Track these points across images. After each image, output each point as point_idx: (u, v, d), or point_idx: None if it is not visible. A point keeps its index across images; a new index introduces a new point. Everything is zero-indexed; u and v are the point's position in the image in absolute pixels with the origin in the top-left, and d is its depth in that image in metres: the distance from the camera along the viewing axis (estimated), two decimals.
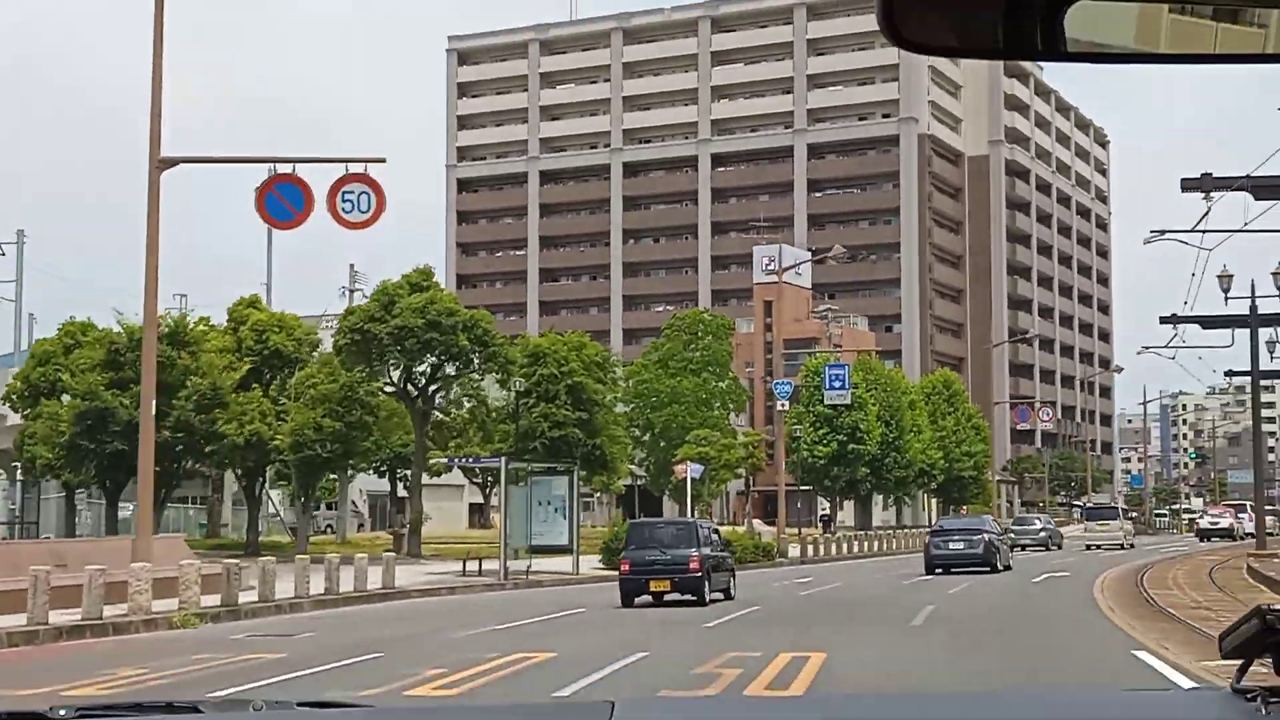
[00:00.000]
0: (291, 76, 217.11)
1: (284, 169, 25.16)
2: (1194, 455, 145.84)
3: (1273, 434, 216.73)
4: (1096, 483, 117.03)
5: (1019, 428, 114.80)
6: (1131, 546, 60.07)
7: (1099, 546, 59.05)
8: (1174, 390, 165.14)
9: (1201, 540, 69.69)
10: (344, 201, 24.87)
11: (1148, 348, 47.13)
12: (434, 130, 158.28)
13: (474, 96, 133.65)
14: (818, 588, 33.08)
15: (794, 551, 51.62)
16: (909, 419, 79.71)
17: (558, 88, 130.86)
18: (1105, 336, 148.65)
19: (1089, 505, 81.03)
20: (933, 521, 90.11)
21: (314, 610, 27.46)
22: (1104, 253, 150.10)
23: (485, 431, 50.59)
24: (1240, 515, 75.26)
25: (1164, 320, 40.34)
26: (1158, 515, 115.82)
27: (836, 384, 63.75)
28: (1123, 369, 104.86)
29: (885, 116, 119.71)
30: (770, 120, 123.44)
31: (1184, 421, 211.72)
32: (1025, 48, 1.83)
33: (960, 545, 38.92)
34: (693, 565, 26.59)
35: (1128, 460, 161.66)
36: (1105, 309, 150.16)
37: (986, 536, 39.63)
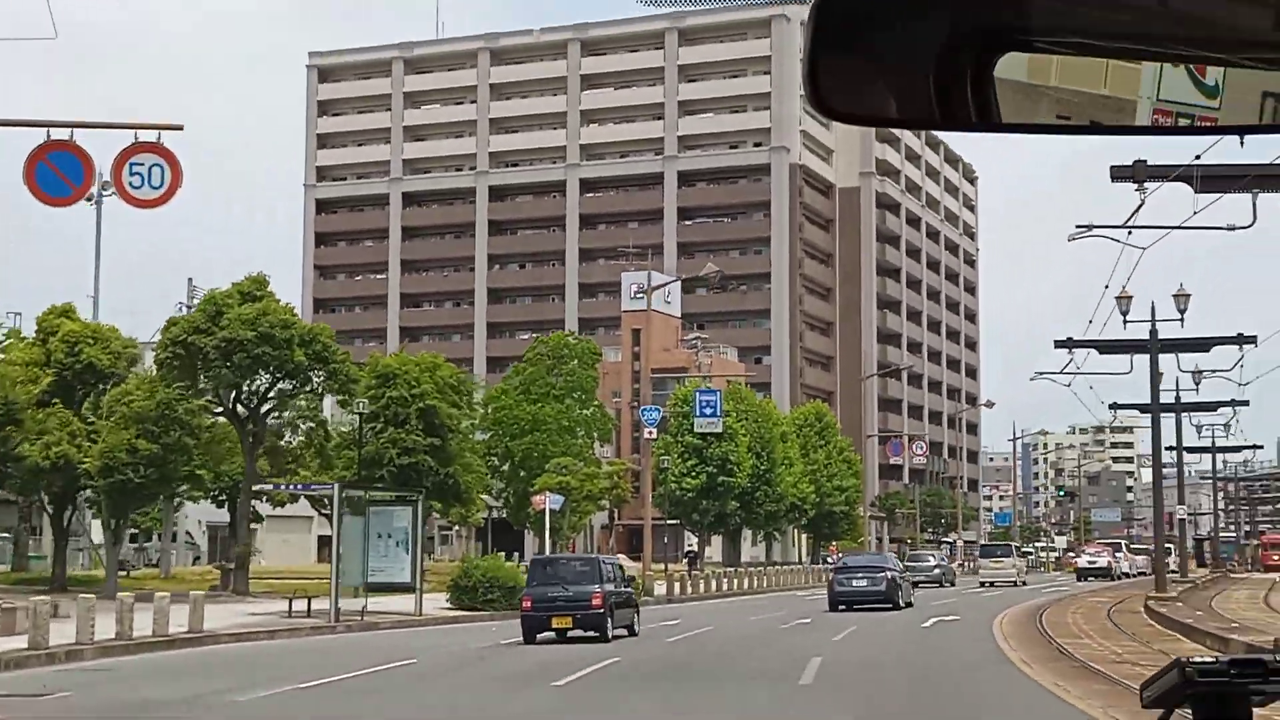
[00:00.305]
0: (151, 99, 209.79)
1: (60, 135, 21.04)
2: (1061, 493, 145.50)
3: (1130, 474, 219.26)
4: (965, 520, 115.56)
5: (892, 462, 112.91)
6: (1025, 584, 61.45)
7: (993, 583, 60.15)
8: (1035, 428, 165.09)
9: (1080, 579, 68.46)
10: (132, 175, 20.78)
11: (1042, 373, 44.41)
12: (293, 149, 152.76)
13: (335, 115, 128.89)
14: (688, 632, 29.65)
15: (660, 589, 48.55)
16: (780, 451, 76.81)
17: (422, 108, 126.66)
18: (973, 373, 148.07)
19: (983, 543, 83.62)
20: (802, 559, 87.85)
21: (98, 659, 23.34)
22: (972, 289, 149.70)
23: (324, 458, 46.27)
24: (1117, 555, 74.33)
25: (1059, 344, 37.50)
26: (1024, 553, 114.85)
27: (708, 410, 60.71)
28: (993, 404, 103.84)
29: (757, 145, 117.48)
30: (640, 146, 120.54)
31: (1045, 460, 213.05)
32: (958, 119, 1.79)
33: (864, 583, 39.21)
34: (595, 602, 26.20)
35: (989, 498, 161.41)
36: (973, 345, 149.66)
37: (889, 574, 40.25)
